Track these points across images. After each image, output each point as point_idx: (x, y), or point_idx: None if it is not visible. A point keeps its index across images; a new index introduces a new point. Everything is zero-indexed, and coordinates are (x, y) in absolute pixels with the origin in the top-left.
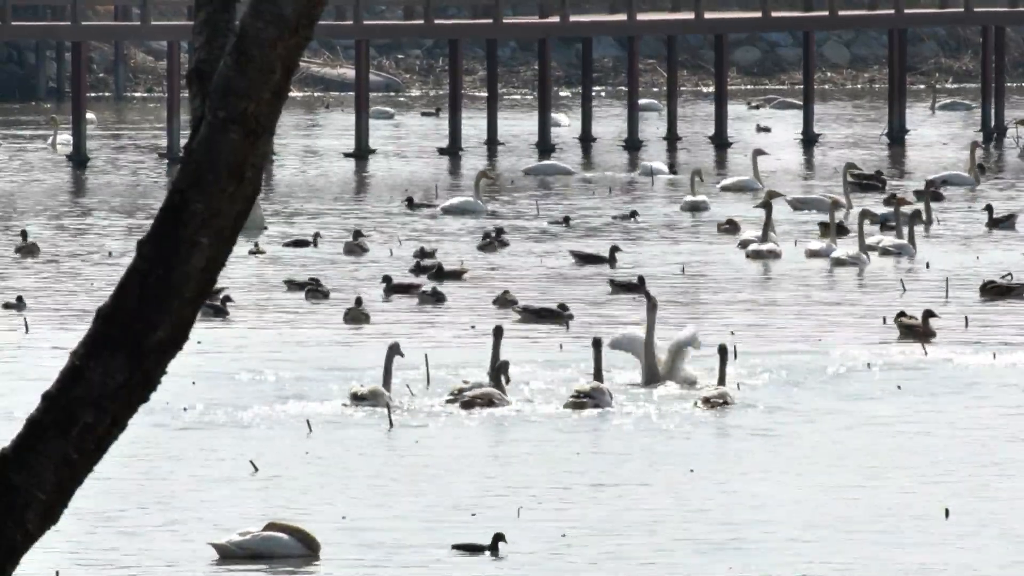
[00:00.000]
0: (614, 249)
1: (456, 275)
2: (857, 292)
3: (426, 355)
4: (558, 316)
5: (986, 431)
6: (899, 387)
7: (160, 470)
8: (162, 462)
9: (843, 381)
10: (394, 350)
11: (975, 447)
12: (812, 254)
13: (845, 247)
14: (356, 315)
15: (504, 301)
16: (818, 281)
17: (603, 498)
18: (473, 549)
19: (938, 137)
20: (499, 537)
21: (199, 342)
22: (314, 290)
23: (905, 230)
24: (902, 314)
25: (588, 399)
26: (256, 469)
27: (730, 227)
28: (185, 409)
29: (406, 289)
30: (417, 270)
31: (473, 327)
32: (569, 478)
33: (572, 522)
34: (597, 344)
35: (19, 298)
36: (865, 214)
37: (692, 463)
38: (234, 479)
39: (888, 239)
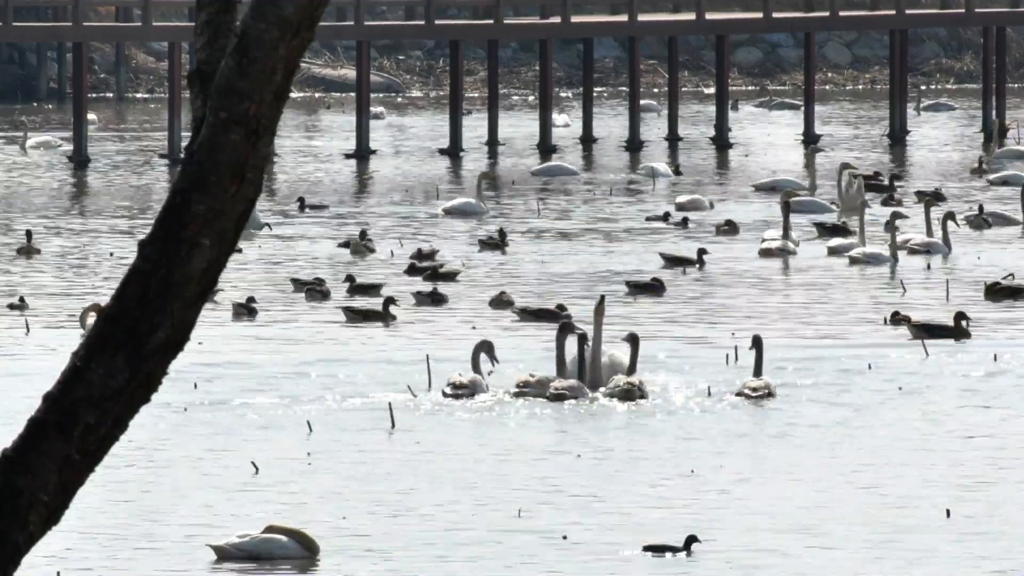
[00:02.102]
0: (702, 252)
1: (451, 276)
2: (861, 292)
3: (428, 356)
4: (556, 317)
5: (987, 432)
6: (900, 388)
7: (161, 471)
8: (163, 463)
9: (843, 382)
10: (481, 348)
11: (976, 447)
12: (833, 252)
13: (859, 245)
14: (352, 315)
15: (500, 302)
16: (823, 280)
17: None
18: (666, 550)
19: (938, 138)
20: (692, 539)
21: (200, 343)
22: (313, 289)
23: (937, 229)
24: (897, 314)
25: (636, 389)
26: (257, 470)
27: (729, 228)
28: (186, 409)
29: (368, 290)
30: (411, 271)
31: (474, 327)
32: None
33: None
34: (634, 340)
35: (21, 298)
36: (897, 215)
37: (693, 463)
38: (235, 480)
39: (918, 238)
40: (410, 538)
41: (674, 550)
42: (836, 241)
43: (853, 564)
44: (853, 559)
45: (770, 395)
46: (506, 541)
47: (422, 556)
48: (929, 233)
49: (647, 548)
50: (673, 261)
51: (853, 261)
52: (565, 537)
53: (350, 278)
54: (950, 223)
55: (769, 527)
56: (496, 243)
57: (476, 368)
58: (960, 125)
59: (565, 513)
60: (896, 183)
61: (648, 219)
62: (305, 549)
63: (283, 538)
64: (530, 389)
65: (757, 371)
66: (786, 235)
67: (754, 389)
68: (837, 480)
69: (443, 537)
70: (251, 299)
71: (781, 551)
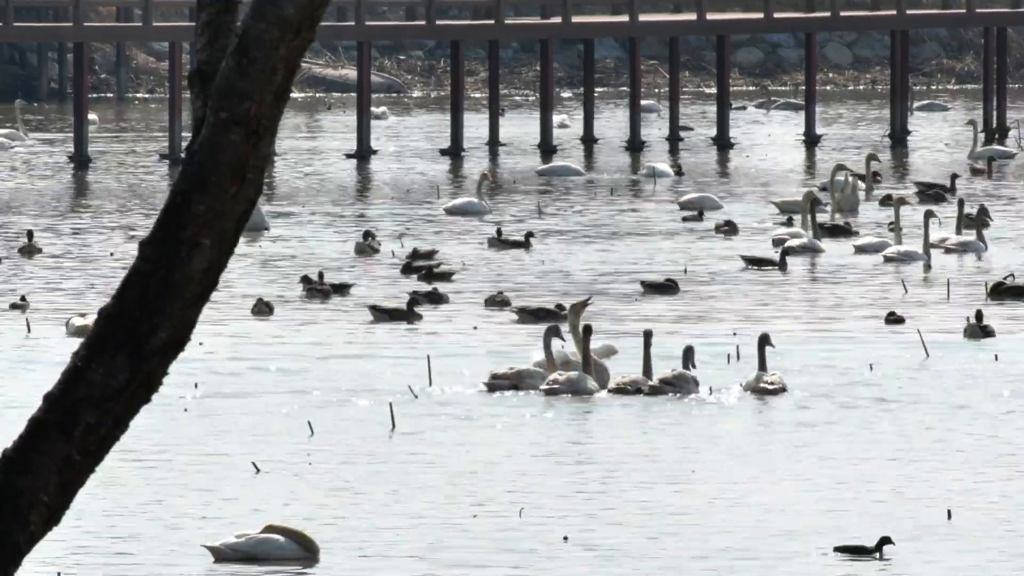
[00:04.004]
0: (785, 252)
1: (446, 276)
2: (865, 290)
3: (428, 356)
4: (555, 316)
5: (988, 432)
6: (900, 388)
7: (162, 471)
8: (164, 463)
9: (843, 381)
10: (550, 333)
11: (978, 448)
12: (860, 250)
13: (894, 243)
14: (379, 314)
15: (495, 302)
16: (828, 278)
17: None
18: (858, 551)
19: (939, 138)
20: (885, 540)
21: (201, 343)
22: (313, 288)
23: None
24: (892, 314)
25: (669, 386)
26: (258, 470)
27: (728, 228)
28: (187, 410)
29: (335, 289)
30: (408, 270)
31: (475, 328)
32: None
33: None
34: (688, 352)
35: (23, 298)
36: (930, 214)
37: (694, 463)
38: (236, 480)
39: (955, 236)
40: (410, 539)
41: (866, 552)
42: (866, 239)
43: (852, 564)
44: (852, 559)
45: (783, 390)
46: (507, 541)
47: (422, 556)
48: (959, 231)
49: (838, 549)
50: (753, 263)
51: (888, 259)
52: (566, 538)
53: (306, 279)
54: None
55: (765, 527)
56: (519, 243)
57: (548, 353)
58: (958, 125)
59: (567, 513)
60: (952, 185)
61: (684, 219)
62: (303, 549)
63: (280, 538)
64: (559, 387)
65: (761, 367)
66: (816, 233)
67: (769, 383)
68: (835, 480)
69: (444, 538)
70: (262, 300)
71: (777, 550)
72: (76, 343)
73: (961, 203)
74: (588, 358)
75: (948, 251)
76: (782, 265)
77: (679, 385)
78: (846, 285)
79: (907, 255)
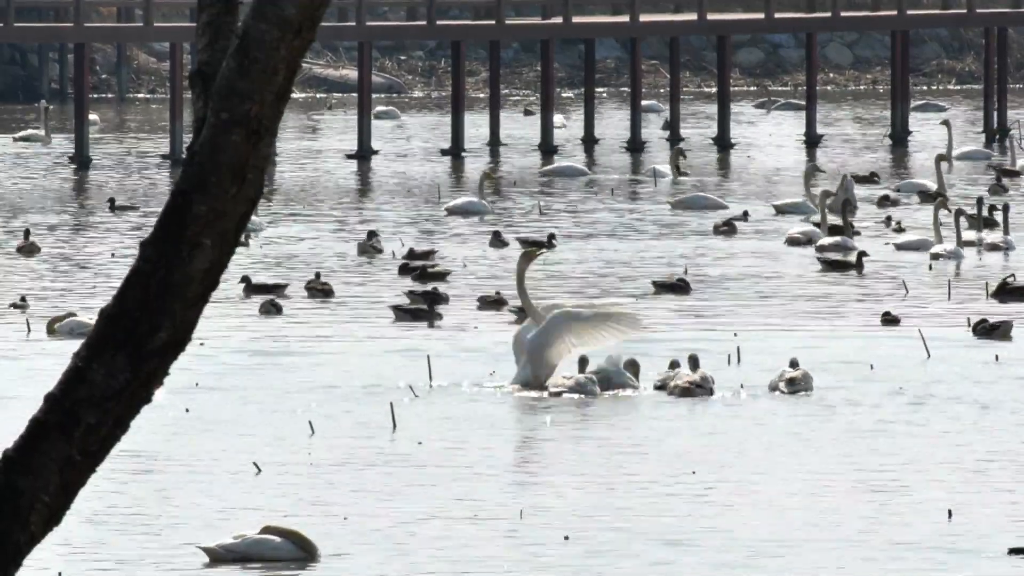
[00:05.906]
0: (861, 255)
1: (441, 276)
2: (867, 290)
3: (428, 356)
4: None
5: (989, 432)
6: (900, 388)
7: (163, 471)
8: (165, 463)
9: (844, 382)
10: (628, 363)
11: (978, 448)
12: (900, 248)
13: (935, 243)
14: (401, 314)
15: (489, 301)
16: (833, 278)
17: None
18: None
19: (942, 138)
20: None
21: (201, 343)
22: (314, 288)
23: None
24: (888, 314)
25: (699, 388)
26: (259, 470)
27: (728, 229)
28: (187, 410)
29: (270, 289)
30: (403, 271)
31: (476, 328)
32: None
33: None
34: (694, 360)
35: (23, 298)
36: (961, 212)
37: (694, 464)
38: (237, 480)
39: (992, 236)
40: (411, 539)
41: None
42: (905, 238)
43: (853, 566)
44: (852, 560)
45: (807, 389)
46: (507, 541)
47: (422, 557)
48: (979, 230)
49: (1012, 551)
50: (831, 265)
51: (935, 257)
52: (567, 537)
53: (245, 279)
54: (960, 219)
55: (764, 527)
56: (542, 243)
57: (522, 286)
58: (960, 125)
59: (567, 514)
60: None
61: (728, 219)
62: (301, 550)
63: (276, 539)
64: (565, 390)
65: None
66: (846, 232)
67: (790, 381)
68: (835, 480)
69: (444, 538)
70: (272, 301)
71: (777, 552)
72: (66, 342)
73: (980, 201)
74: (532, 308)
75: (994, 248)
76: (859, 267)
77: (704, 386)
78: (850, 285)
79: (954, 253)
